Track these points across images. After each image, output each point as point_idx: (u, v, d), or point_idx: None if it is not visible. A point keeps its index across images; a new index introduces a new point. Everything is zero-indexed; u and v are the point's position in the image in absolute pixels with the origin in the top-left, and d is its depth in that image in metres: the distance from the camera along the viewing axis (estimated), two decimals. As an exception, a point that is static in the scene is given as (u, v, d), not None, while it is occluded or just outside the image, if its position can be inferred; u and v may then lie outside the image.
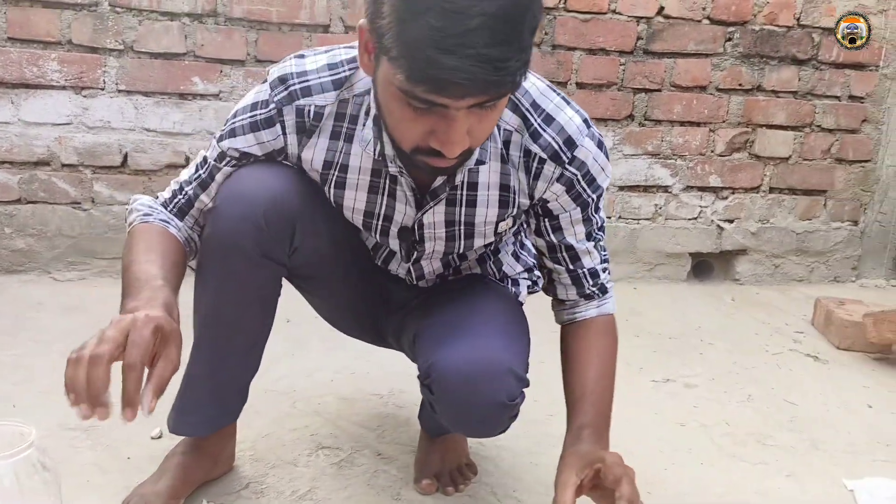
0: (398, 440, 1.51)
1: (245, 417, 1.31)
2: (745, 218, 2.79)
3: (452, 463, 1.39)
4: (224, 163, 1.14)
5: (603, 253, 1.21)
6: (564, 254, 1.18)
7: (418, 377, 1.14)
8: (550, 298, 1.26)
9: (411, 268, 1.25)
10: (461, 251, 1.20)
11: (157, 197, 1.19)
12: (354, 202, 1.15)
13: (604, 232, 1.20)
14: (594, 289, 1.20)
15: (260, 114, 1.10)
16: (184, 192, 1.16)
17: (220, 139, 1.14)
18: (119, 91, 2.24)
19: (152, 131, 2.28)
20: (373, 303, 1.33)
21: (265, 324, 1.21)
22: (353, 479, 1.36)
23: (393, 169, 1.07)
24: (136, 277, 0.98)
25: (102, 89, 2.23)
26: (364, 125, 1.08)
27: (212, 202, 1.14)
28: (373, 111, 1.06)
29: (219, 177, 1.14)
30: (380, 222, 1.16)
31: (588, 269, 1.19)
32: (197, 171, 1.16)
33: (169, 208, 1.16)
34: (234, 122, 1.12)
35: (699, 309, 2.51)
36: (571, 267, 1.18)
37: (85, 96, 2.22)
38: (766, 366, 2.07)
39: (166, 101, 2.27)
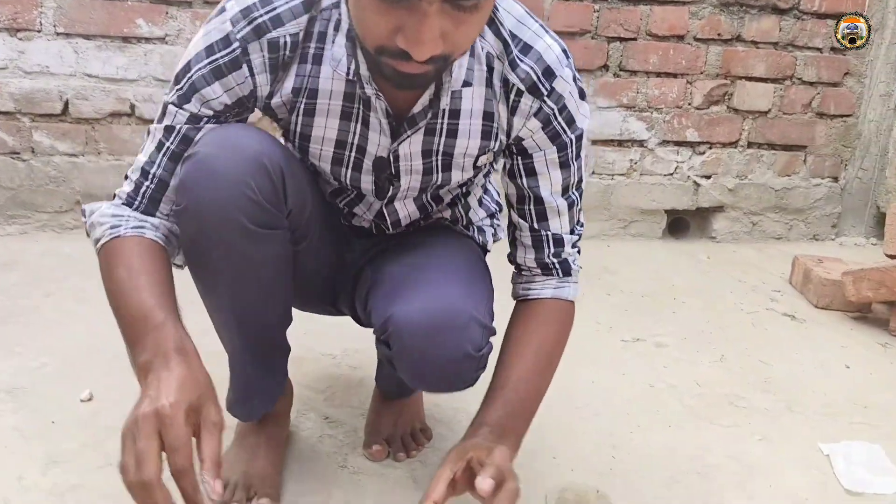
0: (348, 403, 1.42)
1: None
2: (722, 174, 2.70)
3: (406, 427, 1.31)
4: (201, 124, 0.98)
5: (578, 227, 1.10)
6: (532, 207, 1.07)
7: (374, 332, 1.05)
8: (512, 270, 1.16)
9: (384, 210, 1.13)
10: (438, 184, 1.09)
11: (115, 196, 1.01)
12: (325, 130, 1.01)
13: (581, 195, 1.08)
14: (553, 259, 1.09)
15: (221, 57, 0.94)
16: (151, 177, 0.98)
17: (182, 102, 0.97)
18: (57, 34, 2.09)
19: (94, 77, 2.14)
20: (331, 267, 1.21)
21: (286, 289, 1.10)
22: (295, 445, 1.27)
23: (369, 90, 0.95)
24: (133, 316, 0.87)
25: (39, 31, 2.08)
26: (333, 42, 0.96)
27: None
28: (344, 24, 0.94)
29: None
30: (352, 154, 1.03)
31: (552, 233, 1.08)
32: (161, 146, 0.98)
33: (136, 205, 0.99)
34: (190, 77, 0.96)
35: (674, 267, 2.43)
36: (535, 226, 1.08)
37: (20, 39, 2.07)
38: (740, 325, 1.99)
39: (109, 44, 2.12)
